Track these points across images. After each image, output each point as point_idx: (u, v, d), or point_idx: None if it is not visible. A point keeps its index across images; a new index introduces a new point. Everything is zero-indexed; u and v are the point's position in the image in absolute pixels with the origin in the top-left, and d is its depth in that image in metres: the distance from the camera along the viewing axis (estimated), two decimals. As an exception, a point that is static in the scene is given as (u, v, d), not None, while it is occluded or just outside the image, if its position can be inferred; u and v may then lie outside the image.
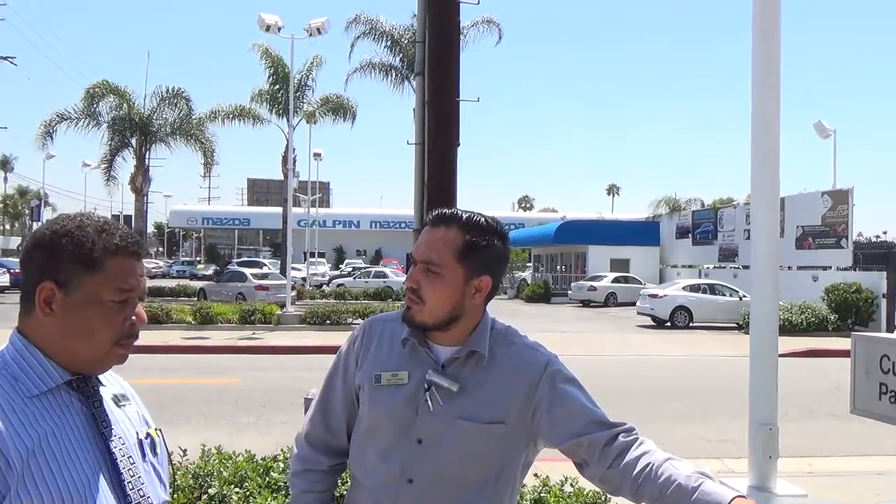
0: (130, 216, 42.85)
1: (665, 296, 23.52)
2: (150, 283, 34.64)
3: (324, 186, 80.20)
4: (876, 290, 21.31)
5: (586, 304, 32.15)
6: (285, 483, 3.42)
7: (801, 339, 17.73)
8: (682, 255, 36.33)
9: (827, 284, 22.12)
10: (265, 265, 41.14)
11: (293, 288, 23.82)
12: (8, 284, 33.35)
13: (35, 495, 1.24)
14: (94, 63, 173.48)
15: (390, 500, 1.73)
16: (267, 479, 3.55)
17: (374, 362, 1.81)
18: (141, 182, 31.77)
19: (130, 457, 1.39)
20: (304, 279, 36.59)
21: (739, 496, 1.49)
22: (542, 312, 27.63)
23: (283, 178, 32.17)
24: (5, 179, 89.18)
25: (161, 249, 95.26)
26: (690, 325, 22.93)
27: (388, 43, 30.57)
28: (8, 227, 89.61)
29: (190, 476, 3.59)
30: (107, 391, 1.44)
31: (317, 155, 38.57)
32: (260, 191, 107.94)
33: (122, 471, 1.36)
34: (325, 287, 37.73)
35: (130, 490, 1.36)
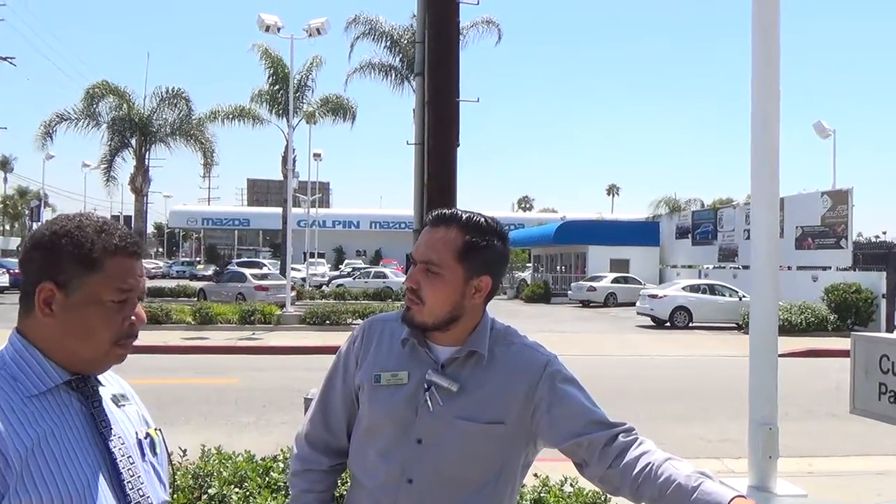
0: (130, 216, 42.86)
1: (665, 296, 23.53)
2: (149, 284, 34.67)
3: (324, 187, 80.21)
4: (875, 291, 21.32)
5: (586, 304, 32.16)
6: (285, 483, 3.42)
7: (800, 339, 17.74)
8: (681, 255, 36.34)
9: (826, 284, 22.13)
10: (265, 265, 41.13)
11: (293, 288, 23.83)
12: (7, 285, 33.34)
13: (34, 494, 1.24)
14: (93, 63, 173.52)
15: (390, 500, 1.73)
16: (267, 479, 3.55)
17: (373, 362, 1.81)
18: (141, 182, 31.76)
19: (130, 456, 1.39)
20: (303, 279, 36.59)
21: (739, 496, 1.49)
22: (541, 313, 27.64)
23: (282, 178, 32.19)
24: (5, 180, 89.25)
25: (161, 250, 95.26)
26: (690, 325, 22.93)
27: (388, 43, 30.59)
28: (8, 227, 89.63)
29: (190, 476, 3.59)
30: (106, 391, 1.44)
31: (316, 155, 38.59)
32: (260, 191, 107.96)
33: (122, 470, 1.36)
34: (324, 287, 37.74)
35: (130, 490, 1.36)
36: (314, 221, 49.38)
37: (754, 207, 3.45)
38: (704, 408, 9.98)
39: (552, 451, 1.80)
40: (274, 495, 3.38)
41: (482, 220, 1.77)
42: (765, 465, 3.26)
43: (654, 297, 23.76)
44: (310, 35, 20.73)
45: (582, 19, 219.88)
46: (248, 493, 3.43)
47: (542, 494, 3.59)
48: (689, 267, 34.32)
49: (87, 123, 30.59)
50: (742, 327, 20.88)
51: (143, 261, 1.44)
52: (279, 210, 39.16)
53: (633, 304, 25.79)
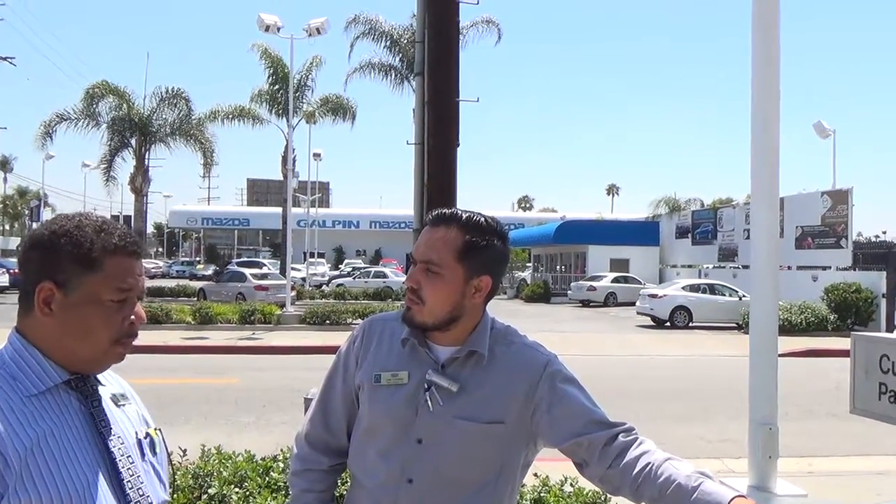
0: (130, 216, 42.80)
1: (665, 296, 23.53)
2: (149, 284, 34.70)
3: (323, 186, 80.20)
4: (875, 290, 21.32)
5: (586, 304, 32.16)
6: (285, 483, 3.42)
7: (800, 339, 17.74)
8: (681, 255, 36.34)
9: (826, 284, 22.13)
10: (265, 265, 41.12)
11: (293, 288, 23.82)
12: (7, 285, 33.32)
13: (34, 494, 1.24)
14: (93, 63, 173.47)
15: (390, 500, 1.73)
16: (267, 479, 3.55)
17: (373, 362, 1.81)
18: (140, 182, 31.75)
19: (129, 456, 1.39)
20: (303, 279, 36.59)
21: (739, 496, 1.49)
22: (541, 312, 27.63)
23: (282, 178, 32.18)
24: (5, 180, 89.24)
25: (161, 250, 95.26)
26: (690, 324, 22.93)
27: (388, 43, 30.58)
28: (7, 227, 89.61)
29: (190, 476, 3.59)
30: (106, 391, 1.44)
31: (316, 155, 38.58)
32: (259, 191, 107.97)
33: (122, 470, 1.36)
34: (324, 287, 37.73)
35: (130, 489, 1.36)
36: (314, 221, 49.37)
37: (754, 207, 3.45)
38: (704, 408, 9.98)
39: (552, 450, 1.80)
40: (274, 495, 3.38)
41: (482, 219, 1.77)
42: (765, 464, 3.26)
43: (654, 296, 23.76)
44: (309, 35, 20.73)
45: (582, 19, 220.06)
46: (248, 492, 3.43)
47: (542, 494, 3.59)
48: (689, 267, 34.32)
49: (87, 123, 30.60)
50: (742, 327, 20.88)
51: (143, 261, 1.44)
52: (279, 210, 39.16)
53: (633, 304, 25.78)
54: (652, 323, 23.44)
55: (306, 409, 2.04)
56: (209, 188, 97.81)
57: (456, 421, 1.72)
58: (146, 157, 31.96)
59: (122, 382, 1.53)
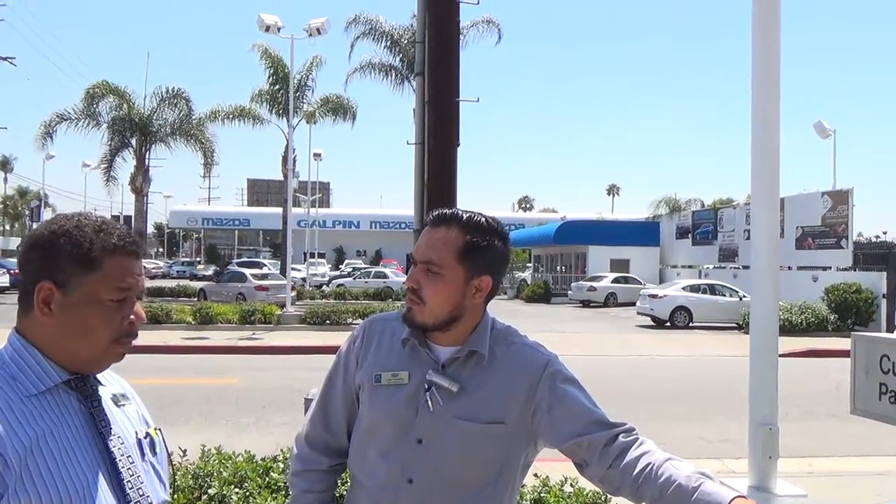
0: (130, 216, 42.84)
1: (665, 296, 23.53)
2: (150, 284, 34.71)
3: (324, 187, 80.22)
4: (876, 291, 21.32)
5: (586, 304, 32.16)
6: (285, 483, 3.42)
7: (801, 340, 17.73)
8: (682, 255, 36.34)
9: (827, 285, 22.13)
10: (265, 265, 41.13)
11: (293, 288, 23.83)
12: (8, 285, 33.32)
13: (33, 494, 1.24)
14: (93, 63, 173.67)
15: (390, 500, 1.73)
16: (267, 479, 3.55)
17: (374, 362, 1.81)
18: (141, 182, 31.76)
19: (129, 456, 1.39)
20: (303, 279, 36.60)
21: (739, 496, 1.49)
22: (541, 312, 27.63)
23: (283, 178, 32.20)
24: (5, 180, 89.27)
25: (161, 250, 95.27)
26: (690, 325, 22.93)
27: (388, 43, 30.59)
28: (8, 227, 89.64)
29: (190, 476, 3.59)
30: (106, 391, 1.44)
31: (317, 155, 38.57)
32: (260, 191, 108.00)
33: (122, 470, 1.35)
34: (324, 287, 37.74)
35: (130, 489, 1.35)
36: (314, 221, 49.37)
37: (754, 207, 3.45)
38: (705, 408, 9.98)
39: (552, 451, 1.80)
40: (274, 495, 3.38)
41: (483, 219, 1.77)
42: (765, 465, 3.26)
43: (654, 296, 23.76)
44: (310, 35, 20.74)
45: (582, 19, 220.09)
46: (248, 493, 3.43)
47: (542, 494, 3.59)
48: (690, 267, 34.32)
49: (88, 123, 30.62)
50: (742, 327, 20.88)
51: (144, 261, 1.44)
52: (279, 210, 39.17)
53: (634, 304, 25.79)
54: (652, 323, 23.44)
55: (306, 410, 2.04)
56: (209, 188, 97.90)
57: (456, 421, 1.72)
58: (146, 157, 31.98)
59: (122, 382, 1.53)
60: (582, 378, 1.82)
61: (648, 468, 1.61)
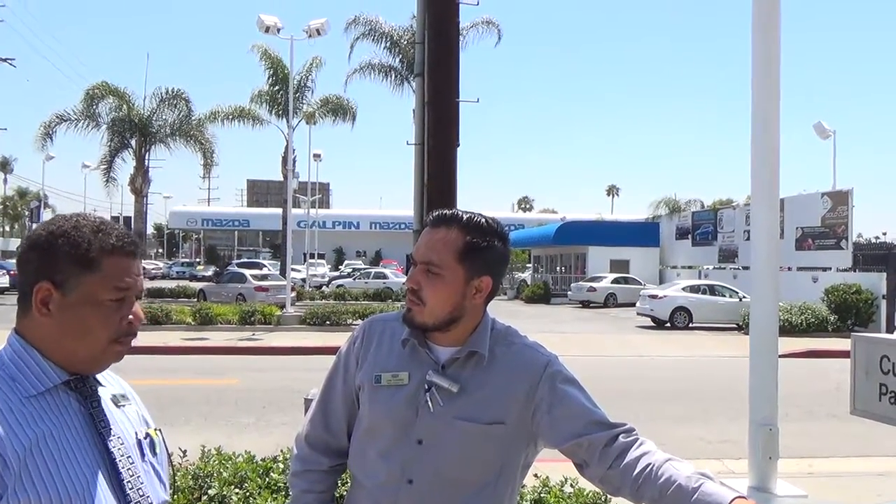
0: (130, 217, 42.84)
1: (665, 296, 23.53)
2: (149, 285, 34.76)
3: (323, 187, 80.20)
4: (876, 291, 21.33)
5: (586, 304, 32.16)
6: (285, 484, 3.41)
7: (800, 340, 17.73)
8: (681, 255, 36.34)
9: (827, 285, 22.14)
10: (265, 266, 41.13)
11: (293, 289, 23.82)
12: (7, 286, 33.31)
13: (33, 495, 1.24)
14: (93, 64, 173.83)
15: (390, 501, 1.73)
16: (267, 479, 3.55)
17: (374, 363, 1.81)
18: (140, 183, 31.75)
19: (129, 456, 1.39)
20: (303, 280, 36.60)
21: (740, 497, 1.49)
22: (541, 313, 27.64)
23: (282, 179, 32.21)
24: (5, 181, 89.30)
25: (161, 251, 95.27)
26: (690, 325, 22.94)
27: (388, 44, 30.60)
28: (7, 228, 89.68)
29: (190, 477, 3.59)
30: (106, 391, 1.44)
31: (316, 156, 38.59)
32: (259, 192, 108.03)
33: (122, 470, 1.35)
34: (324, 288, 37.74)
35: (130, 490, 1.35)
36: (314, 222, 49.38)
37: (754, 208, 3.45)
38: (705, 408, 9.98)
39: (552, 451, 1.80)
40: (274, 496, 3.38)
41: (483, 220, 1.77)
42: (765, 465, 3.26)
43: (654, 297, 23.76)
44: (310, 36, 20.75)
45: (581, 20, 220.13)
46: (248, 493, 3.42)
47: (542, 495, 3.59)
48: (690, 267, 34.33)
49: (87, 124, 30.60)
50: (742, 328, 20.88)
51: (143, 262, 1.45)
52: (279, 211, 39.17)
53: (633, 305, 25.79)
54: (652, 324, 23.44)
55: (306, 410, 2.04)
56: (209, 189, 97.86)
57: (456, 422, 1.72)
58: (146, 157, 31.97)
59: (122, 383, 1.53)
60: (582, 379, 1.82)
61: (648, 469, 1.61)
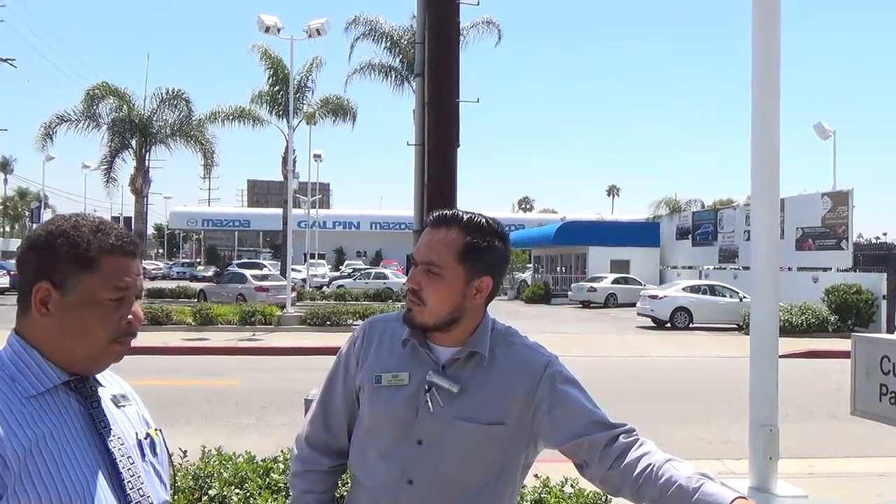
0: (130, 218, 42.85)
1: (665, 297, 23.53)
2: (150, 285, 34.75)
3: (324, 187, 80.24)
4: (876, 292, 21.33)
5: (586, 305, 32.16)
6: (285, 484, 3.41)
7: (801, 340, 17.73)
8: (682, 256, 36.34)
9: (827, 286, 22.14)
10: (265, 266, 41.13)
11: (293, 289, 23.83)
12: (7, 286, 33.31)
13: (33, 495, 1.24)
14: (93, 65, 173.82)
15: (390, 501, 1.73)
16: (267, 480, 3.55)
17: (374, 363, 1.81)
18: (141, 183, 31.74)
19: (130, 457, 1.39)
20: (304, 280, 36.60)
21: (740, 497, 1.49)
22: (542, 313, 27.64)
23: (283, 179, 32.22)
24: (5, 181, 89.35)
25: (161, 251, 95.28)
26: (690, 326, 22.94)
27: (388, 44, 30.61)
28: (8, 228, 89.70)
29: (190, 477, 3.59)
30: (106, 392, 1.44)
31: (317, 156, 38.58)
32: (260, 192, 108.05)
33: (122, 471, 1.35)
34: (325, 288, 37.75)
35: (130, 490, 1.35)
36: (314, 222, 49.38)
37: (754, 208, 3.45)
38: (705, 409, 9.97)
39: (553, 451, 1.80)
40: (274, 496, 3.38)
41: (483, 220, 1.77)
42: (765, 466, 3.25)
43: (654, 297, 23.76)
44: (310, 36, 20.75)
45: (582, 20, 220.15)
46: (248, 494, 3.42)
47: (542, 495, 3.59)
48: (690, 268, 34.33)
49: (88, 125, 30.59)
50: (742, 328, 20.88)
51: (144, 262, 1.45)
52: (279, 211, 39.17)
53: (634, 305, 25.79)
54: (652, 324, 23.44)
55: (307, 411, 2.04)
56: (209, 189, 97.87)
57: (456, 422, 1.72)
58: (146, 158, 31.95)
59: (122, 383, 1.53)
60: (582, 379, 1.82)
61: (649, 469, 1.61)
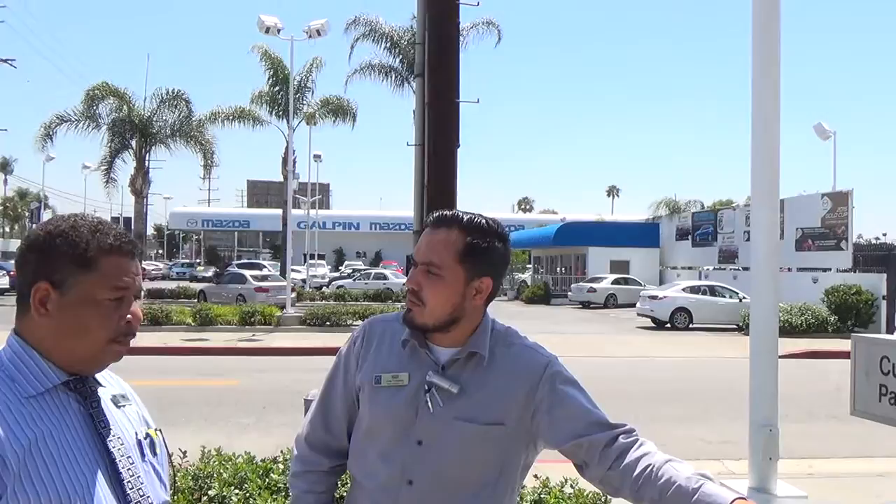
0: (130, 218, 42.78)
1: (665, 297, 23.54)
2: (150, 285, 34.75)
3: (324, 188, 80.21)
4: (876, 292, 21.34)
5: (586, 305, 32.17)
6: (285, 484, 3.41)
7: (801, 341, 17.73)
8: (681, 256, 36.34)
9: (827, 286, 22.14)
10: (265, 267, 41.16)
11: (293, 290, 23.83)
12: (7, 287, 33.31)
13: (32, 495, 1.24)
14: (93, 65, 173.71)
15: (390, 502, 1.73)
16: (267, 480, 3.55)
17: (374, 363, 1.81)
18: (141, 184, 31.74)
19: (129, 457, 1.39)
20: (303, 281, 36.60)
21: (740, 498, 1.49)
22: (542, 314, 27.64)
23: (283, 179, 32.24)
24: (5, 182, 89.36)
25: (161, 251, 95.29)
26: (690, 326, 22.95)
27: (388, 44, 30.60)
28: (8, 229, 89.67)
29: (190, 477, 3.59)
30: (106, 392, 1.44)
31: (317, 156, 38.65)
32: (260, 192, 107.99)
33: (122, 470, 1.35)
34: (324, 289, 37.76)
35: (130, 490, 1.35)
36: (314, 223, 49.41)
37: (754, 209, 3.45)
38: (705, 409, 9.98)
39: (553, 452, 1.80)
40: (274, 497, 3.38)
41: (483, 221, 1.77)
42: (765, 466, 3.25)
43: (654, 298, 23.77)
44: (310, 36, 20.76)
45: (582, 21, 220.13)
46: (248, 494, 3.42)
47: (542, 496, 3.59)
48: (690, 268, 34.33)
49: (88, 125, 30.56)
50: (742, 328, 20.89)
51: (143, 262, 1.45)
52: (279, 211, 39.17)
53: (634, 306, 25.80)
54: (652, 324, 23.45)
55: (306, 411, 2.04)
56: (209, 190, 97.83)
57: (456, 422, 1.72)
58: (146, 158, 31.94)
59: (122, 383, 1.53)
60: (582, 379, 1.82)
61: (648, 469, 1.61)
